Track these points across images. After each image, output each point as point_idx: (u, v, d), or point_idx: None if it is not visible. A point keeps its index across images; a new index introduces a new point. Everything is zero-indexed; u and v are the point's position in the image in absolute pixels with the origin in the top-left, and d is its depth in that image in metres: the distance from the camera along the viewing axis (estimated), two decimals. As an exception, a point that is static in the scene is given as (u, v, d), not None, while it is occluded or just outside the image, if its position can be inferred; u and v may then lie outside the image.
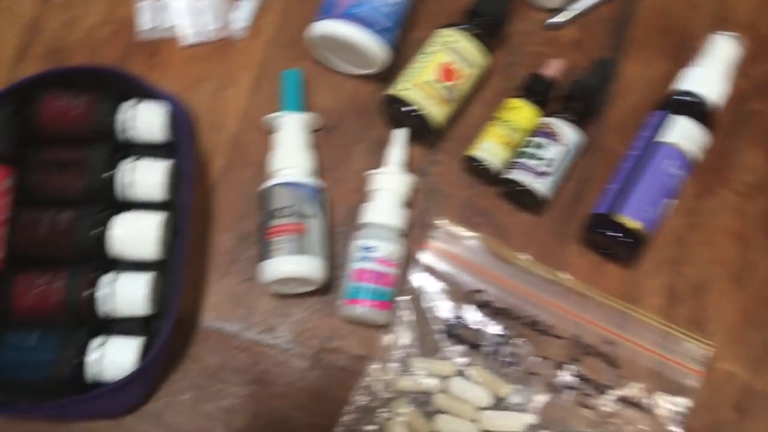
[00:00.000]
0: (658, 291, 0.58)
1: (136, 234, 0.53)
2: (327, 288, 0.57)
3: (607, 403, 0.55)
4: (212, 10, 0.62)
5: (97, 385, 0.50)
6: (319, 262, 0.54)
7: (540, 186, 0.56)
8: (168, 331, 0.51)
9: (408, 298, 0.57)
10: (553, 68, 0.60)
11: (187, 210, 0.54)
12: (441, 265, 0.58)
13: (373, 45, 0.56)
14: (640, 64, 0.63)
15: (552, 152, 0.57)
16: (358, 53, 0.58)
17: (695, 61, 0.59)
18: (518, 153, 0.58)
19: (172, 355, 0.55)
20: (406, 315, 0.56)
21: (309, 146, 0.58)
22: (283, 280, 0.54)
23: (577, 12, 0.64)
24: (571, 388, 0.56)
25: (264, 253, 0.54)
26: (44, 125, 0.55)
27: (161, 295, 0.53)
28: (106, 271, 0.53)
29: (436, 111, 0.57)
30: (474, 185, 0.60)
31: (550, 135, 0.57)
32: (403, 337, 0.56)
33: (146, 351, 0.51)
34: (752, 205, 0.60)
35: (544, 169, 0.56)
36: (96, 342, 0.51)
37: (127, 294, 0.52)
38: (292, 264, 0.53)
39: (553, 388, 0.56)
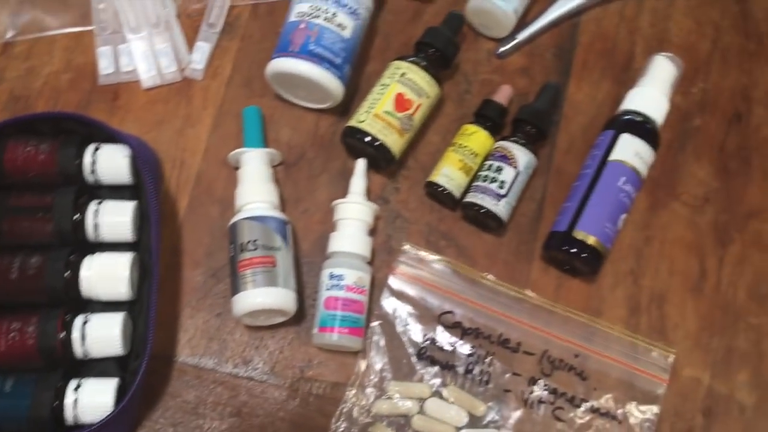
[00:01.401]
0: (620, 303, 0.60)
1: (106, 275, 0.53)
2: (299, 318, 0.58)
3: (580, 415, 0.57)
4: (170, 53, 0.64)
5: (78, 427, 0.49)
6: (290, 293, 0.55)
7: (500, 208, 0.58)
8: (143, 370, 0.51)
9: (379, 323, 0.58)
10: (503, 94, 0.63)
11: (155, 249, 0.55)
12: (410, 289, 0.59)
13: (327, 80, 0.58)
14: (586, 87, 0.66)
15: (508, 175, 0.59)
16: (314, 89, 0.59)
17: (638, 82, 0.62)
18: (476, 177, 0.60)
19: (150, 393, 0.55)
20: (379, 340, 0.57)
21: (272, 180, 0.59)
22: (255, 313, 0.54)
23: (523, 40, 0.66)
24: (544, 402, 0.57)
25: (235, 287, 0.54)
26: (9, 172, 0.55)
27: (135, 334, 0.54)
28: (78, 313, 0.53)
29: (393, 140, 0.58)
30: (436, 210, 0.62)
31: (505, 158, 0.59)
32: (377, 361, 0.57)
33: (123, 391, 0.51)
34: (702, 216, 0.63)
35: (501, 191, 0.58)
36: (72, 385, 0.50)
37: (100, 335, 0.52)
38: (263, 296, 0.53)
39: (527, 404, 0.57)
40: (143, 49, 0.63)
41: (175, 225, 0.60)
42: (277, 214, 0.57)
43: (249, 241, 0.55)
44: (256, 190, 0.58)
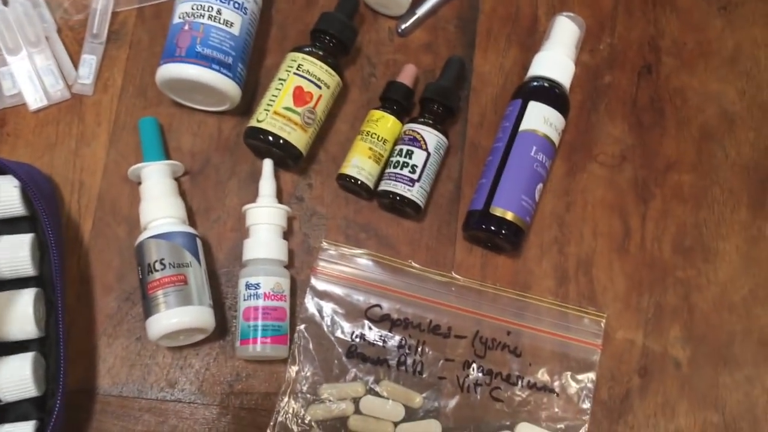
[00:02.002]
0: (548, 274, 0.59)
1: (9, 315, 0.51)
2: (222, 332, 0.56)
3: (517, 392, 0.56)
4: (55, 71, 0.60)
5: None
6: (205, 309, 0.53)
7: (414, 193, 0.57)
8: (59, 409, 0.49)
9: (304, 326, 0.56)
10: (407, 74, 0.61)
11: (58, 280, 0.52)
12: (334, 288, 0.57)
13: (220, 82, 0.55)
14: (493, 56, 0.64)
15: (419, 158, 0.57)
16: (209, 92, 0.57)
17: (542, 46, 0.61)
18: (388, 163, 0.58)
19: (73, 430, 0.53)
20: (307, 343, 0.56)
21: (176, 193, 0.57)
22: (173, 334, 0.52)
23: (423, 15, 0.64)
24: (480, 384, 0.56)
25: (147, 310, 0.52)
26: None
27: (48, 372, 0.51)
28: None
29: (297, 137, 0.56)
30: (352, 202, 0.60)
31: (415, 141, 0.58)
32: (307, 366, 0.55)
33: (42, 432, 0.49)
34: (621, 174, 0.62)
35: (414, 176, 0.57)
36: (-13, 432, 0.48)
37: (11, 379, 0.50)
38: (178, 316, 0.51)
39: (464, 388, 0.56)
40: (25, 70, 0.60)
41: (81, 251, 0.57)
42: (185, 228, 0.54)
43: (156, 261, 0.52)
44: (159, 206, 0.55)
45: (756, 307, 0.59)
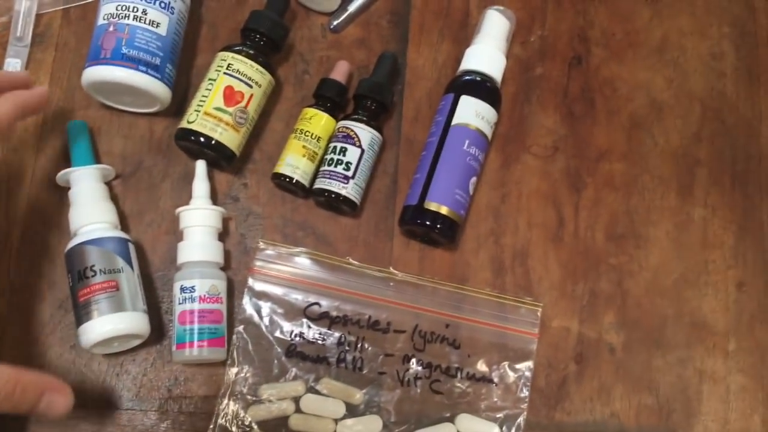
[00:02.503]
0: (485, 265, 0.60)
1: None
2: (159, 336, 0.55)
3: (456, 384, 0.57)
4: (-23, 76, 0.59)
5: None
6: (139, 314, 0.52)
7: (349, 190, 0.57)
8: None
9: (242, 327, 0.56)
10: (340, 71, 0.61)
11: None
12: (271, 287, 0.57)
13: (148, 84, 0.55)
14: (426, 51, 0.65)
15: (352, 155, 0.57)
16: (138, 94, 0.56)
17: (473, 40, 0.61)
18: (323, 161, 0.58)
19: (4, 444, 0.52)
20: (246, 344, 0.55)
21: (106, 198, 0.56)
22: (107, 341, 0.51)
23: (355, 10, 0.64)
24: (420, 378, 0.57)
25: (79, 318, 0.51)
26: None
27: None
28: None
29: (229, 137, 0.56)
30: (288, 201, 0.60)
31: (349, 138, 0.58)
32: (246, 367, 0.55)
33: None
34: (554, 164, 0.63)
35: (348, 173, 0.57)
36: None
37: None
38: (111, 323, 0.51)
39: (404, 383, 0.56)
40: (-54, 75, 0.58)
41: (11, 259, 0.56)
42: (116, 233, 0.54)
43: (87, 268, 0.51)
44: (89, 212, 0.54)
45: (686, 291, 0.61)
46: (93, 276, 0.51)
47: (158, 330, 0.55)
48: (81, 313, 0.51)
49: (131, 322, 0.51)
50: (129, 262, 0.53)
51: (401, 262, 0.59)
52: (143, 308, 0.53)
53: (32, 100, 0.51)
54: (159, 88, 0.56)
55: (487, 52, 0.60)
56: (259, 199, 0.60)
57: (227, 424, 0.54)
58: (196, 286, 0.53)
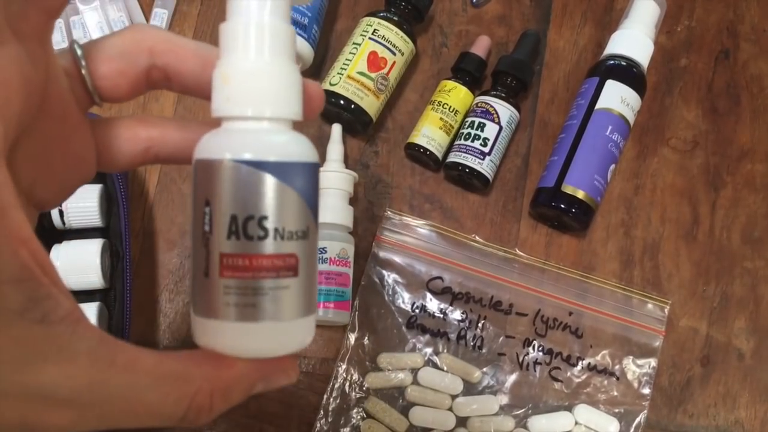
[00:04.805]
0: (613, 256, 0.58)
1: (76, 264, 0.51)
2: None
3: (576, 373, 0.55)
4: (126, 23, 0.60)
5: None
6: (310, 320, 0.27)
7: (484, 166, 0.56)
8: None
9: (367, 293, 0.56)
10: (480, 46, 0.60)
11: (125, 233, 0.52)
12: (396, 257, 0.57)
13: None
14: (567, 33, 0.63)
15: (491, 131, 0.56)
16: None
17: (620, 24, 0.60)
18: (458, 135, 0.58)
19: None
20: (366, 311, 0.55)
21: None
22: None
23: (500, -13, 0.63)
24: (539, 363, 0.55)
25: (210, 302, 0.25)
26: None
27: (111, 323, 0.51)
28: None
29: (368, 102, 0.55)
30: (418, 172, 0.59)
31: (487, 114, 0.57)
32: (366, 334, 0.55)
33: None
34: (693, 160, 0.61)
35: (485, 149, 0.56)
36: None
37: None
38: (271, 339, 0.26)
39: (523, 366, 0.55)
40: (97, 20, 0.59)
41: (146, 206, 0.57)
42: (312, 156, 0.27)
43: (258, 218, 0.25)
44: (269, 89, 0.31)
45: (824, 303, 0.58)
46: (263, 237, 0.25)
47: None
48: (213, 296, 0.25)
49: (300, 334, 0.27)
50: (316, 222, 0.27)
51: (527, 245, 0.58)
52: (315, 307, 0.28)
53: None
54: (305, 49, 0.56)
55: (635, 37, 0.58)
56: (389, 168, 0.59)
57: (345, 388, 0.53)
58: (327, 248, 0.53)
